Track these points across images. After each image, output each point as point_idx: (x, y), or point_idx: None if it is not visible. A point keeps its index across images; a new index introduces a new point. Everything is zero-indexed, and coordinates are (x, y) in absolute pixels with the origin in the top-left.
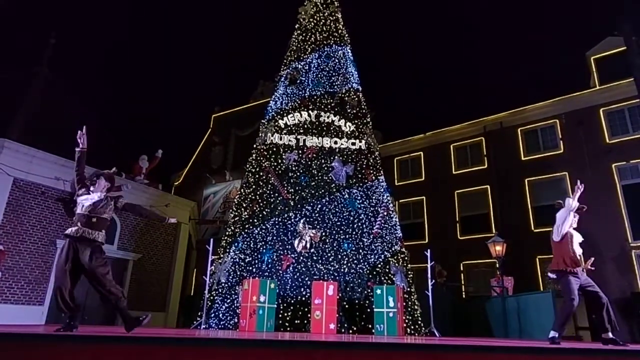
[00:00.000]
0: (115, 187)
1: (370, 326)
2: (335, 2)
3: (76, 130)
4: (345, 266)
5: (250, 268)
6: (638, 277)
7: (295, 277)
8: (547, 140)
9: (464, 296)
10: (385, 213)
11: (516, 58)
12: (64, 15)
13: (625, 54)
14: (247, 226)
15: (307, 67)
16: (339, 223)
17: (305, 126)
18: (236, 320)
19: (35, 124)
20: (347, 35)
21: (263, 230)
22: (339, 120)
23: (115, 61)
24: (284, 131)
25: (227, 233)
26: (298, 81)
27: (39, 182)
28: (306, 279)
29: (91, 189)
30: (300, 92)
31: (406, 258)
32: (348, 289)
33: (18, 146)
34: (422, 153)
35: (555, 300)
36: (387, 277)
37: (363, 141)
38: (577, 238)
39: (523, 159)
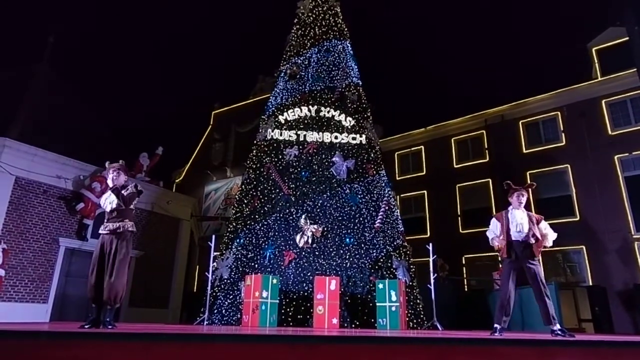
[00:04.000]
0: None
1: (372, 320)
2: None
3: (76, 128)
4: (347, 261)
5: (253, 264)
6: None
7: (298, 272)
8: (549, 133)
9: (466, 290)
10: (386, 207)
11: (517, 50)
12: (63, 13)
13: (628, 45)
14: (248, 222)
15: (306, 62)
16: (340, 218)
17: (306, 121)
18: (239, 315)
19: (36, 123)
20: (346, 29)
21: (265, 226)
22: (339, 115)
23: (115, 58)
24: (284, 127)
25: (228, 229)
26: (298, 76)
27: (41, 181)
28: (308, 274)
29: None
30: (300, 87)
31: (408, 252)
32: (350, 283)
33: (19, 145)
34: (423, 147)
35: (559, 293)
36: (389, 272)
37: (364, 136)
38: (516, 219)
39: (525, 151)
